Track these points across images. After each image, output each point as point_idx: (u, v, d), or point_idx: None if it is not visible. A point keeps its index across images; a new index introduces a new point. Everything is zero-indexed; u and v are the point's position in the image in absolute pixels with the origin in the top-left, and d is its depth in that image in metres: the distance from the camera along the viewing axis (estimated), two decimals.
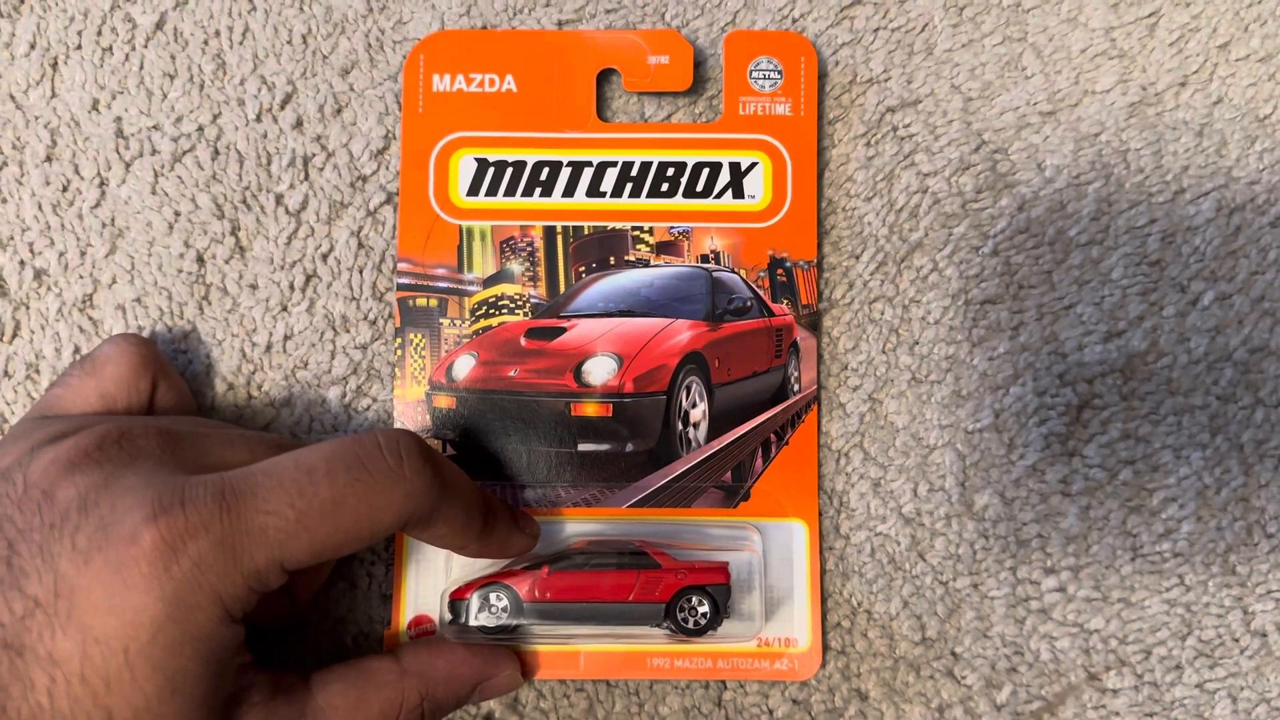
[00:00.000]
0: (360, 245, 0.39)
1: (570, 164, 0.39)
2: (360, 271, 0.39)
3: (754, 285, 0.39)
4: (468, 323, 0.39)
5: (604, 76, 0.40)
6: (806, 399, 0.39)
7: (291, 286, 0.39)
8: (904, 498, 0.38)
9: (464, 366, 0.38)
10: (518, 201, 0.39)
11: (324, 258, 0.39)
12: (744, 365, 0.39)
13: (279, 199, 0.39)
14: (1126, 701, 0.38)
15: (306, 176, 0.39)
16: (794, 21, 0.40)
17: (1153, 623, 0.38)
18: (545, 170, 0.39)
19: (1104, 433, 0.39)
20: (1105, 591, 0.38)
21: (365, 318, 0.39)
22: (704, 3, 0.40)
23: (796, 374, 0.39)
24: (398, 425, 0.38)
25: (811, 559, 0.38)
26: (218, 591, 0.27)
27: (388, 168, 0.39)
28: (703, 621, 0.35)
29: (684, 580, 0.36)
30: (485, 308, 0.39)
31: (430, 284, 0.38)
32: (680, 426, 0.38)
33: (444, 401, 0.38)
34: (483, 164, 0.39)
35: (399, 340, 0.38)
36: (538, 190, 0.39)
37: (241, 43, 0.40)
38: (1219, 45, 0.40)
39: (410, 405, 0.38)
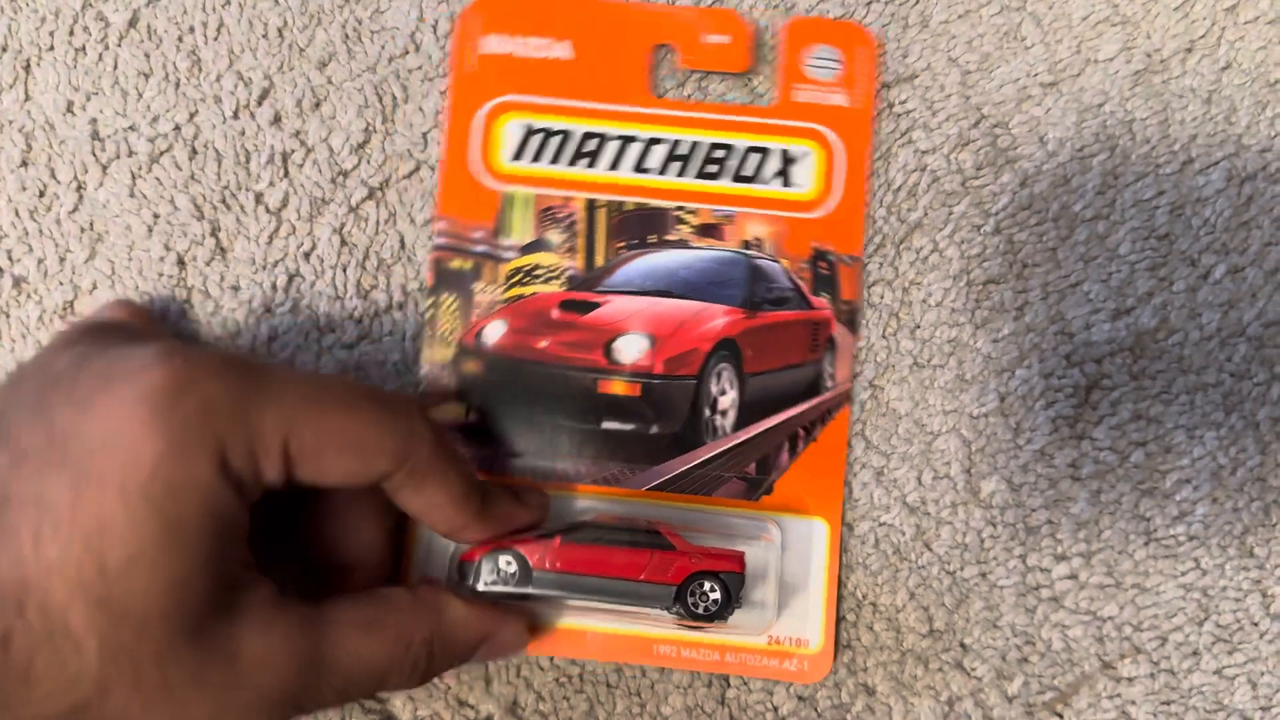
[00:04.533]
0: (343, 242, 0.38)
1: (619, 137, 0.38)
2: (344, 270, 0.38)
3: (795, 276, 0.38)
4: (501, 289, 0.38)
5: (660, 50, 0.39)
6: (839, 396, 0.38)
7: (274, 287, 0.38)
8: (908, 486, 0.37)
9: (494, 333, 0.37)
10: (562, 171, 0.38)
11: (306, 256, 0.38)
12: (778, 356, 0.38)
13: (259, 197, 0.38)
14: (1142, 690, 0.37)
15: (286, 174, 0.38)
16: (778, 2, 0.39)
17: (1168, 608, 0.37)
18: (593, 141, 0.38)
19: (1114, 414, 0.38)
20: (1118, 577, 0.37)
21: (350, 316, 0.38)
22: None
23: (831, 370, 0.38)
24: (423, 388, 0.37)
25: (831, 559, 0.37)
26: (221, 439, 0.26)
27: (369, 162, 0.38)
28: (713, 609, 0.34)
29: (697, 565, 0.35)
30: (520, 275, 0.38)
31: (467, 247, 0.38)
32: (708, 413, 0.37)
33: (471, 366, 0.37)
34: (530, 130, 0.38)
35: (431, 300, 0.38)
36: (583, 161, 0.38)
37: (216, 38, 0.39)
38: (1226, 8, 0.39)
39: (437, 367, 0.37)
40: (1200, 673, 0.37)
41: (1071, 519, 0.37)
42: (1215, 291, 0.38)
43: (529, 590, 0.34)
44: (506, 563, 0.34)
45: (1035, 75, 0.39)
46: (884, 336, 0.38)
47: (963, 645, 0.37)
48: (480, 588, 0.34)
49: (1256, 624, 0.37)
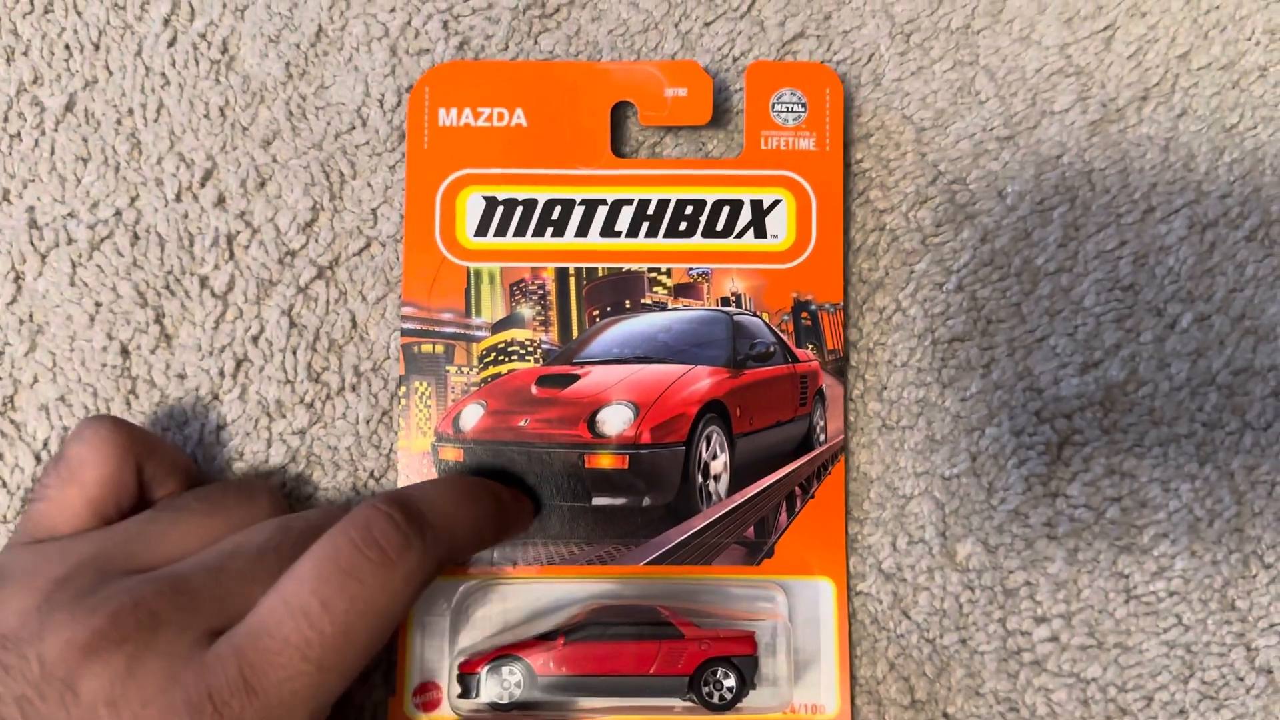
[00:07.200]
0: (292, 324, 0.37)
1: (583, 202, 0.37)
2: (294, 352, 0.37)
3: (777, 329, 0.37)
4: (476, 370, 0.37)
5: (619, 110, 0.38)
6: (833, 450, 0.37)
7: (221, 373, 0.37)
8: (882, 552, 0.37)
9: (472, 416, 0.36)
10: (528, 242, 0.37)
11: (254, 340, 0.37)
12: (767, 414, 0.37)
13: (204, 281, 0.37)
14: None
15: (231, 256, 0.37)
16: (734, 60, 0.38)
17: (1152, 667, 0.36)
18: (557, 209, 0.37)
19: (1087, 470, 0.37)
20: (1100, 638, 0.36)
21: (302, 401, 0.37)
22: (629, 43, 0.38)
23: (822, 423, 0.37)
24: (402, 481, 0.36)
25: (840, 619, 0.36)
26: None
27: (317, 241, 0.37)
28: (728, 696, 0.33)
29: (708, 651, 0.33)
30: (494, 354, 0.37)
31: (436, 329, 0.37)
32: (700, 479, 0.36)
33: (450, 454, 0.36)
34: (491, 202, 0.37)
35: (403, 389, 0.36)
36: (549, 230, 0.37)
37: (156, 120, 0.38)
38: (1179, 55, 0.39)
39: (415, 458, 0.36)
40: None
41: (1050, 579, 0.36)
42: (1183, 341, 0.37)
43: (535, 697, 0.33)
44: (509, 672, 0.33)
45: (991, 129, 0.38)
46: (850, 399, 0.37)
47: (945, 715, 0.36)
48: (484, 699, 0.33)
49: (1242, 679, 0.36)
